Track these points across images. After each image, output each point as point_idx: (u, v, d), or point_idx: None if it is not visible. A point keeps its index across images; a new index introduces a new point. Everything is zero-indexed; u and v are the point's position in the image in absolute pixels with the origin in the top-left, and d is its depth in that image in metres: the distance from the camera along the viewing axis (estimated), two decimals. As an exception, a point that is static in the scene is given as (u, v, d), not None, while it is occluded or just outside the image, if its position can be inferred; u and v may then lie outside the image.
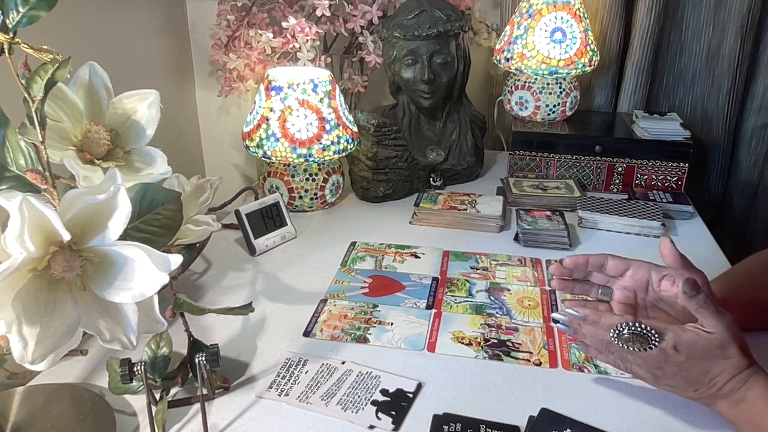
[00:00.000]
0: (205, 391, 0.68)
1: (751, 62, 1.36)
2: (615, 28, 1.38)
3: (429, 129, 1.30)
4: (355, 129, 1.17)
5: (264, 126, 1.09)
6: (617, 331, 0.65)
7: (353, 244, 1.06)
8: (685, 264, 0.70)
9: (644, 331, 0.63)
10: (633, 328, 0.64)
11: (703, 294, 0.63)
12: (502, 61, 1.33)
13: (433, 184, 1.27)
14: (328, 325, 0.83)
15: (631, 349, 0.64)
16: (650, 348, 0.63)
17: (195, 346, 0.72)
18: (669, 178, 1.24)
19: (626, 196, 1.22)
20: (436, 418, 0.67)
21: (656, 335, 0.63)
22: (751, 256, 0.85)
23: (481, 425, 0.65)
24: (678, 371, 0.63)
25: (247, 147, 1.13)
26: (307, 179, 1.15)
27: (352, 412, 0.67)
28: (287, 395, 0.70)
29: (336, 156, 1.12)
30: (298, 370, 0.74)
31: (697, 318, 0.64)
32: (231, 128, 1.50)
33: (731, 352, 0.62)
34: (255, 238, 1.03)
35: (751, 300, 0.77)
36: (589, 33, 1.29)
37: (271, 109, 1.09)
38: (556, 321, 0.71)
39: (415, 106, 1.28)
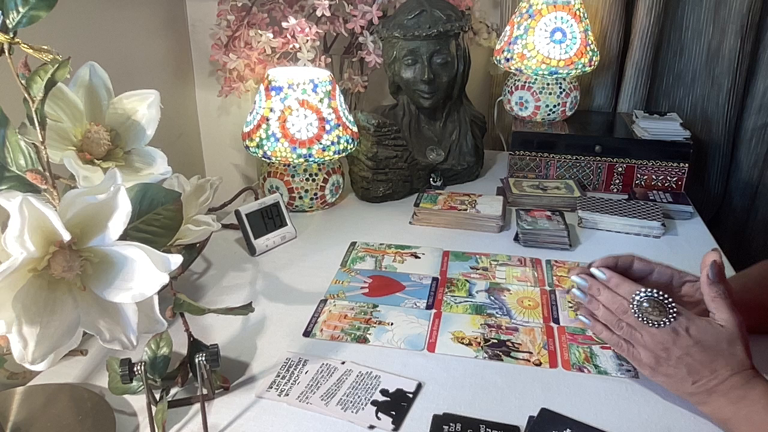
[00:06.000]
0: (205, 391, 0.68)
1: (751, 62, 1.36)
2: (615, 28, 1.38)
3: (429, 129, 1.30)
4: (355, 129, 1.17)
5: (264, 126, 1.09)
6: (638, 296, 0.65)
7: (353, 244, 1.06)
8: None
9: (663, 300, 0.64)
10: (652, 295, 0.64)
11: (723, 286, 0.64)
12: (502, 61, 1.33)
13: (433, 184, 1.27)
14: (328, 325, 0.83)
15: (646, 320, 0.64)
16: (664, 323, 0.63)
17: (195, 346, 0.72)
18: (669, 178, 1.24)
19: (626, 196, 1.22)
20: (436, 418, 0.67)
21: (674, 307, 0.64)
22: (761, 262, 0.85)
23: (481, 425, 0.65)
24: (683, 356, 0.63)
25: (247, 147, 1.13)
26: (307, 179, 1.15)
27: (352, 412, 0.67)
28: (287, 395, 0.70)
29: (336, 156, 1.12)
30: (298, 370, 0.74)
31: (710, 309, 0.65)
32: (231, 128, 1.51)
33: (738, 349, 0.63)
34: (255, 238, 1.03)
35: (759, 304, 0.77)
36: (589, 33, 1.29)
37: (271, 109, 1.09)
38: (573, 287, 0.71)
39: (415, 106, 1.28)
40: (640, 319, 0.65)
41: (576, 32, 1.26)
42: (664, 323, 0.64)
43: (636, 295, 0.65)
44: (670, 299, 0.64)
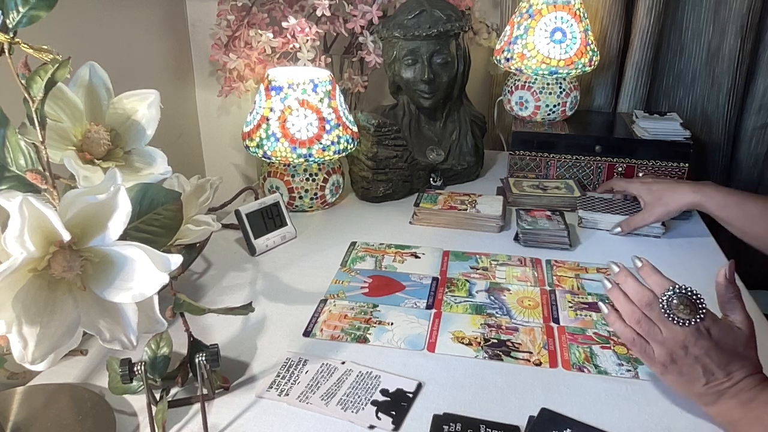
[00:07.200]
0: (205, 391, 0.68)
1: (751, 62, 1.36)
2: (615, 28, 1.38)
3: (429, 129, 1.30)
4: (355, 129, 1.17)
5: (264, 126, 1.09)
6: (669, 291, 0.63)
7: (353, 244, 1.06)
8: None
9: (696, 299, 0.62)
10: (685, 292, 0.63)
11: (738, 288, 0.64)
12: (502, 61, 1.33)
13: (433, 184, 1.27)
14: (328, 325, 0.83)
15: (672, 317, 0.63)
16: (690, 321, 0.62)
17: (195, 346, 0.72)
18: (669, 178, 1.24)
19: (626, 196, 1.22)
20: (436, 418, 0.67)
21: (705, 307, 0.62)
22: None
23: (481, 425, 0.65)
24: (701, 356, 0.62)
25: (247, 147, 1.13)
26: (307, 179, 1.15)
27: (352, 412, 0.67)
28: (287, 395, 0.70)
29: (336, 156, 1.12)
30: (298, 370, 0.74)
31: (725, 310, 0.65)
32: (231, 128, 1.51)
33: (751, 352, 0.64)
34: (255, 238, 1.03)
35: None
36: (589, 33, 1.29)
37: (271, 109, 1.09)
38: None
39: (415, 106, 1.28)
40: (665, 314, 0.63)
41: (576, 32, 1.26)
42: (690, 322, 0.62)
43: (667, 290, 0.64)
44: (702, 299, 0.63)
